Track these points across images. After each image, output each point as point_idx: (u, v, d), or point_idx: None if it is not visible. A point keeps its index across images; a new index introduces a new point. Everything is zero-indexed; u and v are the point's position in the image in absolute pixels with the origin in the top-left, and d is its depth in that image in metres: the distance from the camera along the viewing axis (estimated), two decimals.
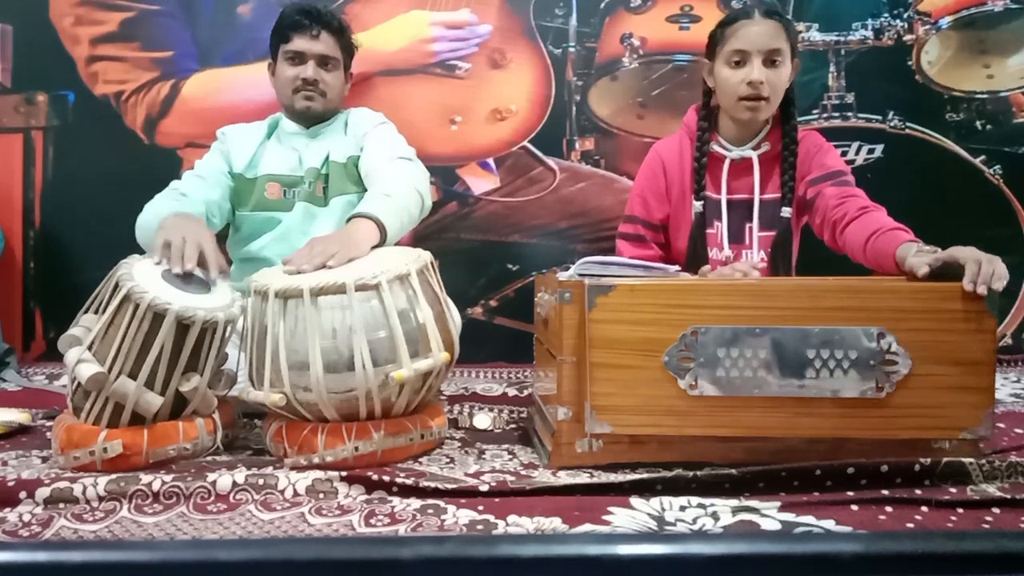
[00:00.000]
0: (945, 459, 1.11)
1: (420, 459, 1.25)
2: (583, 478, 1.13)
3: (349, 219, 1.43)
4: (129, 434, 1.19)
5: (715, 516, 1.01)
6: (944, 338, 1.14)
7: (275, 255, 1.65)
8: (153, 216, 1.46)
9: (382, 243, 1.41)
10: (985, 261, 1.13)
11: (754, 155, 1.61)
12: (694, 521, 1.00)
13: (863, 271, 1.40)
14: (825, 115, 2.16)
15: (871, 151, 2.15)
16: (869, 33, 2.15)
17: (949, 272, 1.17)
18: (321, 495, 1.08)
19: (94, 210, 2.17)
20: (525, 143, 2.19)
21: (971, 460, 1.12)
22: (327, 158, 1.72)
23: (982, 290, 1.11)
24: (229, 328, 1.27)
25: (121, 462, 1.17)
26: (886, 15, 2.15)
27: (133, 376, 1.19)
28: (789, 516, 1.01)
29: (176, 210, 1.48)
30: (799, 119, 1.67)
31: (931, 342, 1.13)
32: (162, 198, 1.57)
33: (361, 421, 1.22)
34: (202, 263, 1.33)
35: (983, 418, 1.14)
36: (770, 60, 1.52)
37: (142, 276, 1.23)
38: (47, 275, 2.23)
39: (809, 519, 1.00)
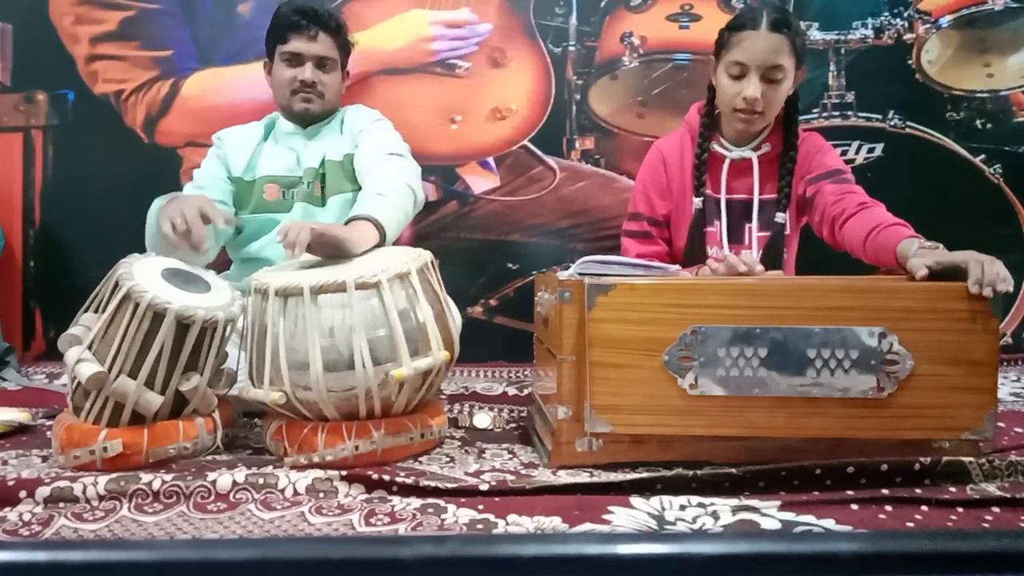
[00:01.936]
0: (945, 458, 1.11)
1: (420, 458, 1.25)
2: (583, 477, 1.13)
3: (347, 222, 1.42)
4: (129, 433, 1.19)
5: (715, 515, 1.01)
6: (946, 338, 1.13)
7: (275, 256, 1.65)
8: (154, 221, 1.46)
9: (382, 243, 1.41)
10: (987, 263, 1.13)
11: (754, 156, 1.61)
12: (694, 520, 1.00)
13: (864, 270, 1.40)
14: (825, 114, 2.16)
15: (871, 150, 2.14)
16: (869, 32, 2.15)
17: (949, 274, 1.16)
18: (321, 494, 1.08)
19: (94, 209, 2.17)
20: (525, 142, 2.19)
21: (971, 459, 1.11)
22: (324, 157, 1.72)
23: (987, 292, 1.10)
24: (229, 327, 1.27)
25: (121, 461, 1.17)
26: (886, 14, 2.14)
27: (133, 375, 1.18)
28: (789, 515, 1.01)
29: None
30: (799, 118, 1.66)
31: (933, 342, 1.13)
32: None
33: (361, 420, 1.22)
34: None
35: (985, 419, 1.14)
36: (769, 76, 1.50)
37: (142, 275, 1.23)
38: (47, 274, 2.23)
39: (809, 518, 1.00)
